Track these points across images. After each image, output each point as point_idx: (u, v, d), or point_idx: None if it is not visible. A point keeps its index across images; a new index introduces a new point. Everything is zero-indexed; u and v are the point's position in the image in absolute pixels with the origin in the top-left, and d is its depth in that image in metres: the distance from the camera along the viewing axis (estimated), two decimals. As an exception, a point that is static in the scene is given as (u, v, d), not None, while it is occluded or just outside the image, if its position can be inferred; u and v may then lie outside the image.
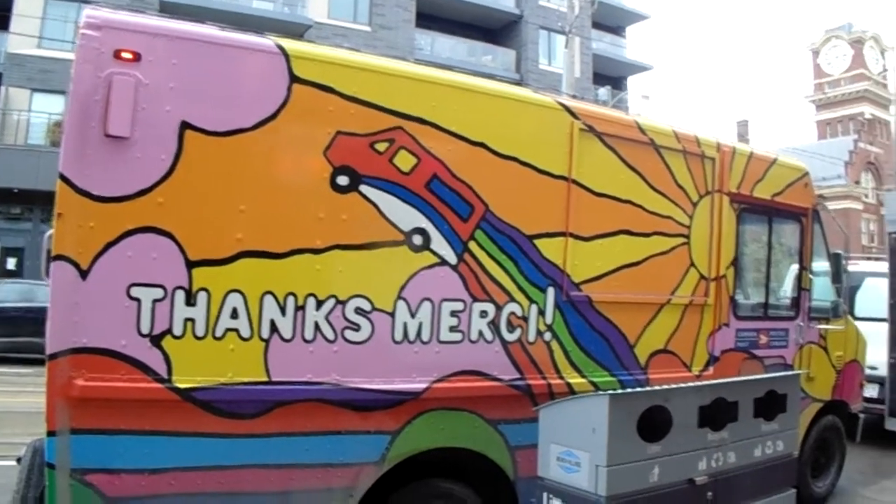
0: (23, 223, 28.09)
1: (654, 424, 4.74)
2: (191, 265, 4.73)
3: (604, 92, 25.16)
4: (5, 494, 5.64)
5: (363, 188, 5.25)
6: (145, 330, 4.62)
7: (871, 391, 11.26)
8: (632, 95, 40.16)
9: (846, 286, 9.37)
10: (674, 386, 5.27)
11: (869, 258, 19.96)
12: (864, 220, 64.01)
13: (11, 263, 28.88)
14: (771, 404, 5.60)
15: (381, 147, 5.32)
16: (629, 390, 5.67)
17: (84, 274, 4.45)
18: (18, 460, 6.23)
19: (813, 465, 8.95)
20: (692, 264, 7.07)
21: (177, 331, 4.71)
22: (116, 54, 4.56)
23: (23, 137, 28.58)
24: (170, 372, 4.68)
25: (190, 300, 4.74)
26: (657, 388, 5.26)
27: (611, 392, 4.82)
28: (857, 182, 65.85)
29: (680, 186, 6.96)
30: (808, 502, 8.61)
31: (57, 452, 4.46)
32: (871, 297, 12.85)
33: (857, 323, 9.82)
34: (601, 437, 4.48)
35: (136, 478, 4.66)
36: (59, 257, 4.42)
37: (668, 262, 6.89)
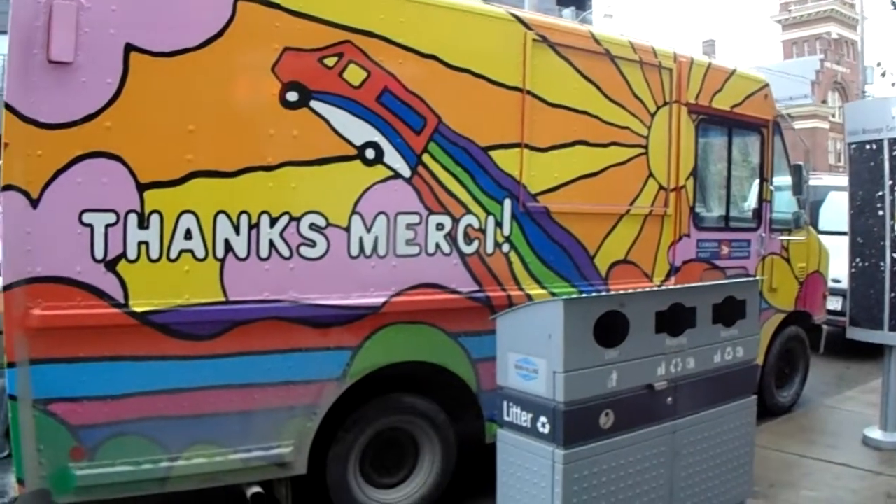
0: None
1: (610, 330, 4.72)
2: (142, 188, 4.68)
3: (568, 12, 24.82)
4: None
5: (313, 103, 5.20)
6: (99, 255, 4.58)
7: (835, 304, 11.35)
8: (596, 16, 39.77)
9: (808, 199, 9.39)
10: (629, 290, 5.27)
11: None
12: (832, 140, 64.18)
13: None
14: (730, 311, 5.60)
15: (330, 62, 5.25)
16: (584, 295, 5.69)
17: (35, 203, 4.39)
18: (-12, 401, 6.23)
19: (777, 376, 9.10)
20: (651, 175, 7.07)
21: (131, 255, 4.67)
22: None
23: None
24: (126, 296, 4.66)
25: (143, 223, 4.69)
26: (612, 293, 5.26)
27: (565, 297, 4.82)
28: (824, 101, 65.93)
29: (637, 97, 6.93)
30: (772, 412, 8.78)
31: (18, 384, 4.44)
32: (835, 211, 12.91)
33: (822, 237, 9.88)
34: (557, 343, 4.46)
35: (99, 404, 4.66)
36: (8, 187, 4.35)
37: (626, 173, 6.89)
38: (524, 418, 4.68)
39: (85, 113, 4.50)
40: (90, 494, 4.77)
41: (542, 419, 4.55)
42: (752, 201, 8.74)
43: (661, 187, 7.18)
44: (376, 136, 5.44)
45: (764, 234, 8.39)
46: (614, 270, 6.80)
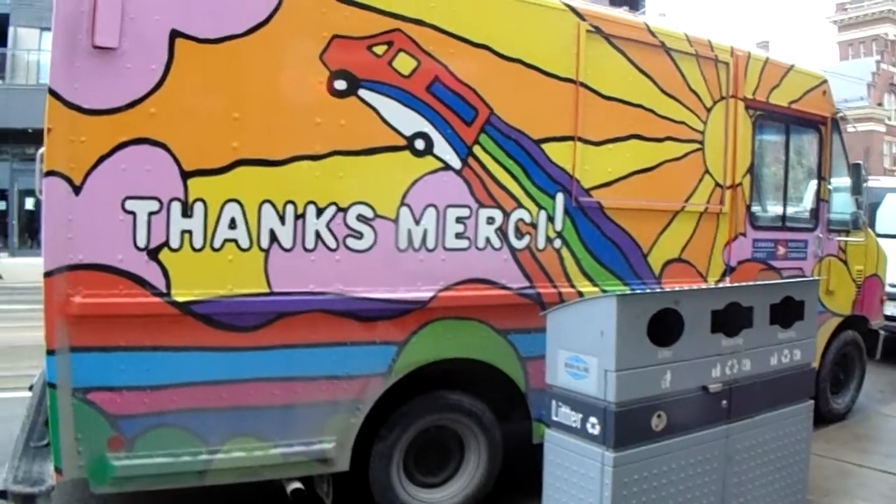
0: (39, 164, 28.17)
1: (665, 328, 4.60)
2: (186, 176, 4.62)
3: (621, 13, 24.67)
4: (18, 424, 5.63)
5: (362, 92, 5.10)
6: (142, 244, 4.54)
7: (892, 309, 11.10)
8: (649, 14, 39.60)
9: (866, 200, 9.15)
10: (685, 288, 5.13)
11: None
12: (887, 143, 63.27)
13: (29, 204, 28.92)
14: (787, 311, 5.45)
15: (379, 50, 5.16)
16: (638, 292, 5.54)
17: (77, 189, 4.35)
18: (31, 388, 6.22)
19: (832, 382, 8.88)
20: (707, 171, 6.90)
21: (174, 243, 4.62)
22: None
23: (34, 77, 28.45)
24: (168, 285, 4.61)
25: (186, 211, 4.63)
26: (667, 290, 5.12)
27: (619, 293, 4.69)
28: (880, 104, 65.04)
29: (693, 91, 6.76)
30: (826, 419, 8.54)
31: (57, 371, 4.42)
32: (893, 214, 12.62)
33: (879, 240, 9.63)
34: (610, 341, 4.34)
35: (138, 395, 4.62)
36: (50, 173, 4.32)
37: (681, 169, 6.72)
38: (573, 418, 4.58)
39: (129, 99, 4.46)
40: (128, 485, 4.76)
41: (593, 420, 4.45)
42: (809, 201, 8.53)
43: (717, 184, 7.00)
44: (426, 127, 5.33)
45: (821, 235, 8.19)
46: (668, 269, 6.64)
